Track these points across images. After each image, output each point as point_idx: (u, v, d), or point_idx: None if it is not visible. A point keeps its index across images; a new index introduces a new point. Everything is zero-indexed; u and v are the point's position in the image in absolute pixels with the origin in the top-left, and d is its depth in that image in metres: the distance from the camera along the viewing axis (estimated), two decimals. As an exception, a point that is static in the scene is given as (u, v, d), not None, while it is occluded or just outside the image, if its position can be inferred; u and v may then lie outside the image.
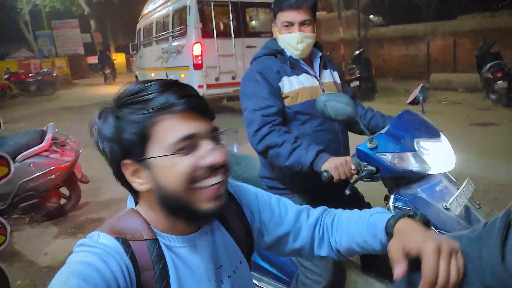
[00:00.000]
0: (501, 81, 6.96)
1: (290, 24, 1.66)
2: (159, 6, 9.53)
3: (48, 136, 3.68)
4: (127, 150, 0.72)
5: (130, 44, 11.89)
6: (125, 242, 0.71)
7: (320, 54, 1.79)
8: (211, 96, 7.47)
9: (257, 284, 1.92)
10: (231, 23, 7.45)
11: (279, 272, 1.86)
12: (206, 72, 7.31)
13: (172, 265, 0.75)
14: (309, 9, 1.66)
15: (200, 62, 7.28)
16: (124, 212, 0.80)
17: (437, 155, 1.35)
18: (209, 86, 7.36)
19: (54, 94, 15.51)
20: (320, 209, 1.01)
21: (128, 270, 0.69)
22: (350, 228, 0.90)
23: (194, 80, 7.28)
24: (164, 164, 0.70)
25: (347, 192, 1.33)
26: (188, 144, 0.71)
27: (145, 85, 0.73)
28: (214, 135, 0.75)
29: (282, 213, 0.96)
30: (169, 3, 8.71)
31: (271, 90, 1.62)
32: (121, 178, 0.76)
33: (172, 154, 0.70)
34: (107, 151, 0.74)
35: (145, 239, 0.74)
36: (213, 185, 0.73)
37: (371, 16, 15.01)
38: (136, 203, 0.81)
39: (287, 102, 1.66)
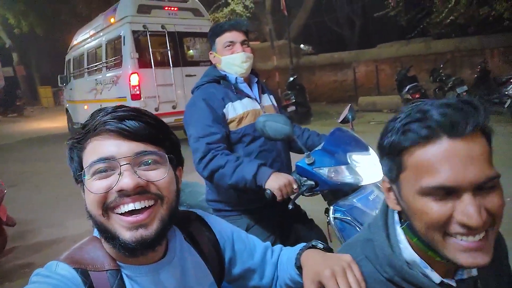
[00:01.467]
0: (419, 102, 7.70)
1: (232, 43, 1.75)
2: (91, 36, 9.25)
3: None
4: (74, 175, 0.76)
5: (59, 76, 11.30)
6: (84, 273, 0.69)
7: (257, 79, 1.89)
8: None
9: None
10: (169, 52, 7.40)
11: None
12: (145, 102, 7.11)
13: None
14: (246, 32, 1.79)
15: (138, 92, 7.10)
16: (85, 241, 0.77)
17: (367, 167, 1.47)
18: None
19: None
20: (278, 247, 1.03)
21: None
22: (282, 267, 0.95)
23: None
24: (86, 187, 0.71)
25: (290, 206, 1.39)
26: (104, 167, 0.69)
27: (98, 112, 0.75)
28: (142, 160, 0.71)
29: (251, 248, 0.97)
30: (101, 33, 8.49)
31: (215, 117, 1.65)
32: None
33: (90, 178, 0.71)
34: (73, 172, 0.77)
35: (106, 270, 0.71)
36: (128, 212, 0.69)
37: (302, 45, 15.95)
38: None
39: (232, 127, 1.71)
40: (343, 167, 1.41)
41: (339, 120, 1.92)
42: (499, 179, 0.61)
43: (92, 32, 9.21)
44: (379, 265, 0.73)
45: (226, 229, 0.96)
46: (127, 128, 0.70)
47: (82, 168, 0.72)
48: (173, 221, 0.77)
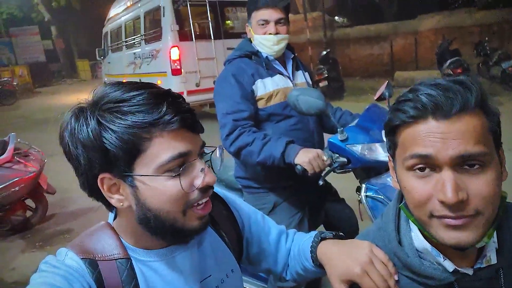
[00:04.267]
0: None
1: (266, 22, 1.66)
2: (128, 7, 8.95)
3: (10, 147, 3.53)
4: (109, 163, 0.65)
5: (97, 49, 11.25)
6: (92, 263, 0.69)
7: (293, 55, 1.81)
8: (192, 103, 6.92)
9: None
10: (210, 24, 6.99)
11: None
12: (186, 77, 6.84)
13: (146, 284, 0.72)
14: (283, 8, 1.68)
15: (178, 67, 6.79)
16: (97, 227, 0.76)
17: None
18: (189, 93, 6.85)
19: (15, 104, 14.84)
20: (292, 232, 1.01)
21: None
22: (294, 257, 0.94)
23: (173, 86, 6.64)
24: (153, 184, 0.66)
25: (320, 182, 1.35)
26: (180, 164, 0.67)
27: (131, 93, 0.65)
28: (202, 151, 0.72)
29: (266, 230, 0.97)
30: (139, 4, 8.14)
31: (243, 93, 1.62)
32: (92, 190, 0.70)
33: (165, 175, 0.66)
34: (82, 159, 0.66)
35: (116, 259, 0.70)
36: (202, 204, 0.71)
37: (336, 17, 15.36)
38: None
39: (261, 104, 1.67)
40: (377, 144, 1.35)
41: (376, 97, 1.84)
42: (492, 161, 0.60)
43: (129, 3, 8.91)
44: (388, 256, 0.73)
45: (244, 209, 0.95)
46: (193, 121, 0.69)
47: (130, 158, 0.65)
48: None
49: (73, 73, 26.21)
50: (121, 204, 0.69)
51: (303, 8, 12.16)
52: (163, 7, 6.83)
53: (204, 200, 0.71)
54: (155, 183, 0.66)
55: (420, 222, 0.67)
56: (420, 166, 0.63)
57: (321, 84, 8.82)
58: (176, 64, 6.78)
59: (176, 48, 6.76)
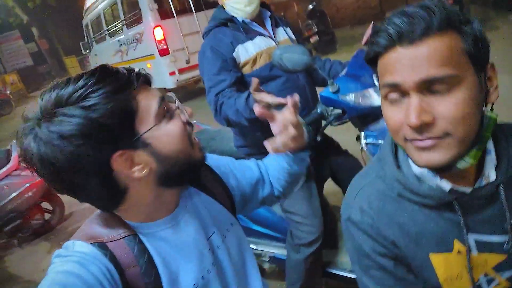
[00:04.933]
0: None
1: None
2: None
3: (14, 155, 3.55)
4: (115, 137, 0.64)
5: (81, 43, 10.87)
6: (101, 245, 0.69)
7: (269, 13, 1.74)
8: (186, 81, 6.87)
9: (255, 248, 1.97)
10: None
11: (273, 232, 1.91)
12: (174, 56, 6.63)
13: (158, 254, 0.74)
14: None
15: (165, 47, 6.57)
16: (95, 215, 0.77)
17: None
18: (181, 71, 6.72)
19: (12, 113, 14.84)
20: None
21: (110, 272, 0.67)
22: (272, 165, 1.04)
23: (163, 67, 6.67)
24: (161, 133, 0.69)
25: (318, 138, 1.35)
26: (166, 108, 0.73)
27: (80, 79, 0.65)
28: (169, 98, 0.78)
29: (248, 166, 1.03)
30: None
31: (223, 64, 1.56)
32: (105, 184, 0.67)
33: (164, 117, 0.71)
34: (87, 153, 0.62)
35: (123, 237, 0.71)
36: (195, 136, 0.78)
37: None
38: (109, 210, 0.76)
39: (247, 70, 1.62)
40: (370, 90, 1.32)
41: (363, 42, 1.79)
42: (463, 82, 0.60)
43: None
44: (389, 182, 0.75)
45: (222, 161, 0.99)
46: (149, 77, 0.77)
47: (131, 122, 0.66)
48: None
49: (62, 72, 25.89)
50: (144, 172, 0.68)
51: (282, -37, 11.68)
52: None
53: (194, 132, 0.78)
54: (162, 131, 0.70)
55: (401, 147, 0.71)
56: (391, 94, 0.65)
57: (312, 40, 8.62)
58: (162, 44, 6.57)
59: (159, 27, 6.52)
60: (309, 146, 1.01)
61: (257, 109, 0.88)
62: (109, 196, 0.70)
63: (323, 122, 1.42)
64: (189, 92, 8.23)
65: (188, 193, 0.85)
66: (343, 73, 1.42)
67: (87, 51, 10.82)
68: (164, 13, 6.60)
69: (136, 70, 0.71)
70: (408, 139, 0.65)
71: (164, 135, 0.70)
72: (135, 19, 7.12)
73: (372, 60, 0.69)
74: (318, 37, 8.66)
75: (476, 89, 0.62)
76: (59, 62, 26.19)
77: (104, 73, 0.66)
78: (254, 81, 0.96)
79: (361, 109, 1.31)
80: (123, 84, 0.66)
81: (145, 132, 0.67)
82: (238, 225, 0.93)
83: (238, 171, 1.00)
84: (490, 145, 0.70)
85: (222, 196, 0.92)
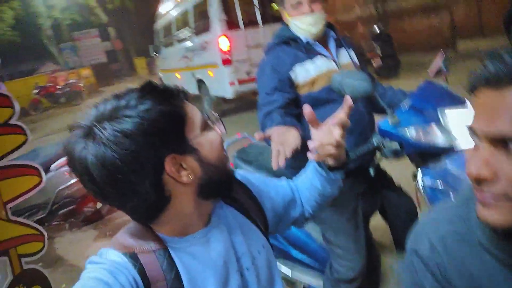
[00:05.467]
0: (534, 42, 6.56)
1: (299, 3, 1.55)
2: (177, 2, 9.05)
3: (78, 144, 3.81)
4: (170, 140, 0.69)
5: (150, 46, 11.60)
6: (133, 256, 0.71)
7: (333, 33, 1.70)
8: (244, 92, 6.93)
9: (290, 274, 1.90)
10: (257, 9, 6.78)
11: (311, 260, 1.84)
12: (236, 67, 6.69)
13: (185, 270, 0.74)
14: None
15: (228, 56, 6.65)
16: (130, 225, 0.79)
17: (464, 123, 1.27)
18: (241, 82, 6.76)
19: (83, 104, 16.03)
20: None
21: (137, 284, 0.68)
22: (304, 184, 1.03)
23: (224, 77, 6.77)
24: (205, 140, 0.75)
25: (371, 172, 1.28)
26: (206, 120, 0.79)
27: (137, 90, 0.72)
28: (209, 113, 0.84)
29: (280, 185, 1.03)
30: None
31: (277, 84, 1.54)
32: (156, 187, 0.69)
33: (207, 127, 0.77)
34: (146, 151, 0.66)
35: (154, 250, 0.73)
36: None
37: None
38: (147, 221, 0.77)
39: (304, 91, 1.58)
40: (433, 125, 1.23)
41: (431, 74, 1.69)
42: None
43: None
44: (472, 228, 0.68)
45: (256, 180, 0.98)
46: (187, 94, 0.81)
47: (182, 128, 0.72)
48: None
49: (131, 71, 27.62)
50: (190, 177, 0.72)
51: (352, -17, 11.62)
52: None
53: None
54: (206, 138, 0.75)
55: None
56: (473, 135, 0.61)
57: (374, 63, 8.40)
58: (225, 53, 6.66)
59: (225, 37, 6.63)
60: (346, 167, 0.98)
61: (308, 109, 0.88)
62: (155, 201, 0.71)
63: (378, 154, 1.35)
64: (246, 102, 8.35)
65: (222, 210, 0.86)
66: (405, 104, 1.35)
67: (155, 53, 11.49)
68: (231, 24, 6.72)
69: (176, 85, 0.77)
70: (474, 187, 0.60)
71: (208, 143, 0.75)
72: (204, 27, 7.35)
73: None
74: (381, 61, 8.43)
75: None
76: (130, 62, 27.98)
77: (152, 86, 0.73)
78: (308, 114, 0.91)
79: (421, 146, 1.23)
80: (172, 94, 0.73)
81: (194, 138, 0.73)
82: (269, 247, 0.91)
83: (272, 189, 0.99)
84: None
85: (256, 214, 0.91)
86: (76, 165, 0.67)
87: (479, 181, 0.57)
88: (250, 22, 6.88)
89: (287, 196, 1.01)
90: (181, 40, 8.93)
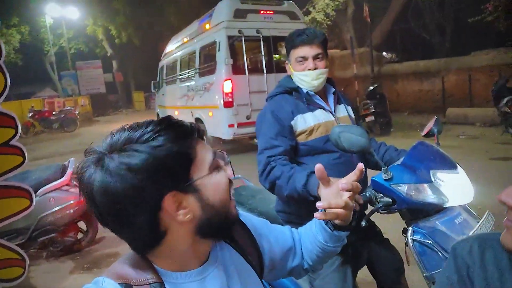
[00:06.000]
0: (519, 115, 6.87)
1: (304, 59, 1.69)
2: (184, 43, 9.38)
3: (69, 171, 3.77)
4: (173, 178, 0.70)
5: (152, 82, 11.87)
6: (128, 287, 0.71)
7: (333, 89, 1.82)
8: (242, 135, 7.11)
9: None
10: (263, 58, 7.13)
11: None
12: (237, 110, 6.94)
13: None
14: (321, 43, 1.70)
15: (230, 100, 6.91)
16: (129, 254, 0.79)
17: (454, 187, 1.33)
18: (240, 125, 6.98)
19: (76, 131, 15.99)
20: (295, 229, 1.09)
21: None
22: (308, 237, 1.03)
23: (224, 118, 6.98)
24: (211, 182, 0.75)
25: (363, 224, 1.31)
26: (217, 161, 0.78)
27: (149, 124, 0.73)
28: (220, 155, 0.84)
29: (282, 231, 1.03)
30: (195, 40, 8.52)
31: (280, 130, 1.63)
32: (151, 221, 0.71)
33: (215, 169, 0.76)
34: (148, 187, 0.68)
35: (150, 283, 0.72)
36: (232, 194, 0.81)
37: (384, 53, 15.25)
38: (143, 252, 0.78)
39: (302, 139, 1.67)
40: (425, 185, 1.29)
41: (423, 134, 1.78)
42: None
43: (185, 39, 9.32)
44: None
45: (258, 223, 0.99)
46: (202, 135, 0.81)
47: (188, 167, 0.72)
48: None
49: (128, 104, 27.95)
50: (187, 216, 0.72)
51: (351, 44, 12.24)
52: (219, 42, 7.08)
53: (232, 189, 0.81)
54: (212, 180, 0.75)
55: None
56: None
57: (367, 119, 8.67)
58: (228, 96, 6.91)
59: (229, 81, 6.92)
60: (352, 227, 0.99)
61: (320, 167, 0.93)
62: (149, 235, 0.73)
63: (370, 208, 1.38)
64: (242, 145, 8.45)
65: (220, 249, 0.86)
66: (399, 161, 1.41)
67: (156, 89, 11.79)
68: (236, 69, 7.03)
69: (192, 124, 0.78)
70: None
71: (213, 184, 0.75)
72: (209, 69, 7.63)
73: None
74: (374, 118, 8.70)
75: None
76: (128, 94, 28.40)
77: (170, 122, 0.74)
78: (320, 172, 0.96)
79: (412, 202, 1.27)
80: (186, 133, 0.74)
81: (198, 179, 0.73)
82: None
83: (273, 235, 0.99)
84: None
85: (253, 256, 0.92)
86: (84, 188, 0.71)
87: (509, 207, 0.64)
88: (254, 69, 7.23)
89: (287, 244, 1.01)
90: (184, 80, 9.18)
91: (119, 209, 0.69)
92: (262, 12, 7.38)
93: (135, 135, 0.70)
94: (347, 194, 0.91)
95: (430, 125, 1.74)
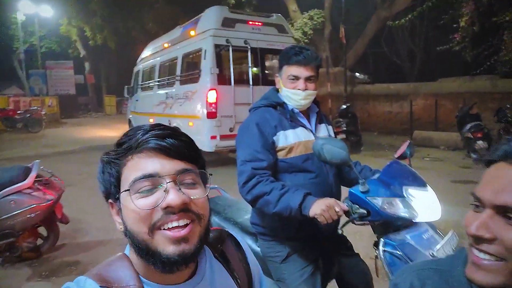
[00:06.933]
0: (481, 141, 7.26)
1: (296, 78, 1.70)
2: (164, 49, 9.02)
3: (33, 174, 3.60)
4: (107, 190, 0.76)
5: (126, 87, 11.48)
6: None
7: (317, 109, 1.85)
8: (224, 148, 6.89)
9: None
10: (250, 69, 6.93)
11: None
12: (220, 121, 6.65)
13: None
14: (315, 67, 1.73)
15: (214, 110, 6.62)
16: (115, 257, 0.77)
17: (423, 204, 1.40)
18: (222, 137, 6.71)
19: (41, 132, 15.37)
20: None
21: None
22: None
23: (206, 130, 6.68)
24: (126, 204, 0.71)
25: (339, 231, 1.35)
26: (149, 185, 0.69)
27: (136, 129, 0.75)
28: (182, 177, 0.72)
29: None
30: (177, 46, 8.22)
31: (264, 143, 1.64)
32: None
33: (127, 191, 0.70)
34: (101, 191, 0.78)
35: None
36: (172, 228, 0.69)
37: (357, 73, 15.78)
38: None
39: (281, 155, 1.68)
40: (398, 199, 1.35)
41: (396, 156, 1.84)
42: None
43: (166, 45, 8.98)
44: (453, 281, 0.74)
45: (255, 262, 0.96)
46: (169, 146, 0.71)
47: (118, 184, 0.73)
48: (207, 239, 0.78)
49: (99, 107, 27.26)
50: (119, 227, 0.74)
51: (326, 63, 12.58)
52: (205, 50, 6.83)
53: (174, 224, 0.69)
54: (127, 203, 0.71)
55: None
56: (474, 203, 0.68)
57: (338, 137, 8.83)
58: (212, 107, 6.63)
59: (214, 91, 6.65)
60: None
61: None
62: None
63: (345, 218, 1.42)
64: (221, 158, 8.37)
65: (210, 268, 0.82)
66: (375, 177, 1.46)
67: (130, 95, 11.37)
68: (222, 79, 6.79)
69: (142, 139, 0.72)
70: (470, 245, 0.67)
71: (126, 208, 0.71)
72: (192, 78, 7.36)
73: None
74: (345, 136, 8.91)
75: None
76: (99, 98, 27.72)
77: (135, 130, 0.75)
78: None
79: (386, 215, 1.32)
80: (127, 149, 0.73)
81: (119, 194, 0.74)
82: None
83: (263, 283, 0.96)
84: None
85: (243, 281, 0.88)
86: None
87: (478, 240, 0.64)
88: (240, 81, 7.00)
89: None
90: (162, 86, 8.86)
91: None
92: (250, 23, 7.25)
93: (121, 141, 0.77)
94: None
95: (403, 148, 1.81)
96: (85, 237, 4.21)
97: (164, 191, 0.69)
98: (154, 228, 0.68)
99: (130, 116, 11.35)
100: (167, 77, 8.71)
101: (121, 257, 0.76)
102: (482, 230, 0.64)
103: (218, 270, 0.83)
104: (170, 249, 0.68)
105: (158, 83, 9.15)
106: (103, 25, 19.91)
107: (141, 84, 10.47)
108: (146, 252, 0.69)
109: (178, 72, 8.01)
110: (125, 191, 0.71)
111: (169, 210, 0.68)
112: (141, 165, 0.70)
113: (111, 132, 14.73)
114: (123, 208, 0.71)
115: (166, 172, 0.70)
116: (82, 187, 6.01)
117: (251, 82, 6.95)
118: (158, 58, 9.33)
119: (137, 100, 10.69)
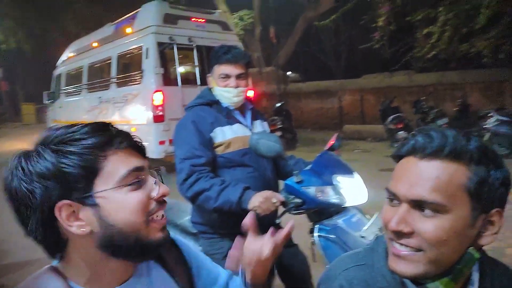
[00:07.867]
0: (402, 131, 7.94)
1: (227, 76, 1.75)
2: (93, 48, 8.20)
3: None
4: (68, 188, 0.67)
5: (45, 92, 10.40)
6: None
7: (251, 106, 1.91)
8: (173, 153, 6.22)
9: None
10: (196, 69, 6.45)
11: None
12: (169, 125, 6.02)
13: None
14: (245, 64, 1.78)
15: (161, 113, 6.05)
16: (41, 271, 0.73)
17: (351, 189, 1.52)
18: (172, 141, 6.09)
19: None
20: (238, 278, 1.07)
21: None
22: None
23: (153, 135, 6.08)
24: (116, 199, 0.69)
25: (277, 221, 1.40)
26: (137, 177, 0.71)
27: (76, 126, 0.71)
28: (151, 172, 0.78)
29: (217, 275, 1.00)
30: (110, 45, 7.49)
31: (201, 140, 1.67)
32: (44, 229, 0.68)
33: (128, 185, 0.70)
34: (38, 191, 0.66)
35: None
36: (160, 216, 0.74)
37: (289, 72, 16.30)
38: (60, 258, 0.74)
39: (220, 151, 1.72)
40: (329, 187, 1.44)
41: (326, 148, 1.97)
42: (451, 213, 0.65)
43: (95, 44, 8.17)
44: (375, 274, 0.77)
45: (195, 254, 0.97)
46: (141, 145, 0.77)
47: (90, 178, 0.68)
48: None
49: (16, 116, 24.95)
50: (82, 230, 0.68)
51: (258, 62, 12.81)
52: (147, 48, 6.24)
53: (161, 212, 0.75)
54: (118, 197, 0.69)
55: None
56: (390, 197, 0.71)
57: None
58: (159, 110, 6.06)
59: (160, 92, 6.06)
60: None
61: (250, 220, 0.96)
62: (48, 240, 0.70)
63: (282, 209, 1.48)
64: (171, 164, 7.85)
65: (147, 267, 0.82)
66: (308, 167, 1.55)
67: (50, 101, 10.29)
68: (168, 79, 6.29)
69: (118, 132, 0.73)
70: (390, 239, 0.70)
71: (119, 202, 0.69)
72: (132, 79, 6.73)
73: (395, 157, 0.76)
74: (281, 133, 9.17)
75: (465, 224, 0.66)
76: (16, 106, 25.38)
77: (96, 127, 0.72)
78: (251, 224, 1.00)
79: (319, 202, 1.41)
80: (104, 142, 0.70)
81: (98, 192, 0.68)
82: None
83: (208, 270, 0.97)
84: (475, 277, 0.74)
85: (182, 278, 0.88)
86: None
87: (398, 234, 0.68)
88: (187, 81, 6.48)
89: (219, 281, 0.98)
90: (94, 90, 8.03)
91: (15, 208, 0.69)
92: (193, 19, 6.80)
93: (52, 136, 0.70)
94: (267, 254, 0.90)
95: (332, 140, 1.95)
96: (9, 259, 3.84)
97: (155, 183, 0.74)
98: (148, 219, 0.72)
99: (52, 124, 10.26)
100: (99, 80, 7.92)
101: (48, 270, 0.72)
102: (401, 225, 0.66)
103: (154, 268, 0.83)
104: (159, 236, 0.74)
105: (87, 87, 8.25)
106: (16, 28, 18.27)
107: (65, 89, 9.47)
108: (130, 245, 0.70)
109: (113, 73, 7.26)
110: (123, 185, 0.70)
111: (160, 200, 0.74)
112: (127, 160, 0.71)
113: (31, 140, 13.42)
114: (106, 204, 0.68)
115: (147, 167, 0.75)
116: (1, 207, 5.59)
117: (199, 82, 6.41)
118: (86, 59, 8.44)
119: (60, 107, 9.65)
